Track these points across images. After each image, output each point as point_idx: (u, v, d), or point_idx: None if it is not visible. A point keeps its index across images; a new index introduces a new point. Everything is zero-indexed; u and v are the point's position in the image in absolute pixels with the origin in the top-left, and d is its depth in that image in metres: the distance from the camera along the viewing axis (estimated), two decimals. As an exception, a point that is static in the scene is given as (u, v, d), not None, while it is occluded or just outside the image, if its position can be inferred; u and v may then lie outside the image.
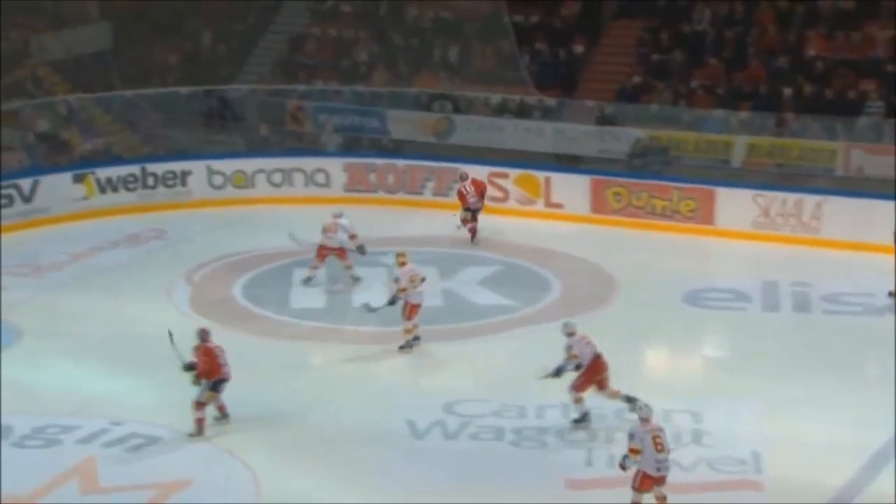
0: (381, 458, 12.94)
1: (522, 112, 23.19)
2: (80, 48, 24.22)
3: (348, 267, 18.00)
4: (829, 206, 19.41)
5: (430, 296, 17.57)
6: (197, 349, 13.29)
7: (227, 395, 13.90)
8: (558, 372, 13.38)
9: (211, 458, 12.80)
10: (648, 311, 16.88)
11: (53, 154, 22.03)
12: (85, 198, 21.06)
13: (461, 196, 20.22)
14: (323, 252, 17.90)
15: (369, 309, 15.45)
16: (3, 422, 13.24)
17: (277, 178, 22.24)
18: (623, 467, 11.51)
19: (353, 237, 17.90)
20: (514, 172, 21.57)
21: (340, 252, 17.89)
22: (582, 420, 13.46)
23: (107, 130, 23.22)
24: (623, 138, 22.02)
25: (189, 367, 13.12)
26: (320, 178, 22.19)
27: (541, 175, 21.46)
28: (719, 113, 21.92)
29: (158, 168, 21.75)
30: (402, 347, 15.44)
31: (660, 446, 11.31)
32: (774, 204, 19.79)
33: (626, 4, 24.33)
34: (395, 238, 20.16)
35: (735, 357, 15.86)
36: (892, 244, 17.19)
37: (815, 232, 19.47)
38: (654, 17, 23.86)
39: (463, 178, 20.28)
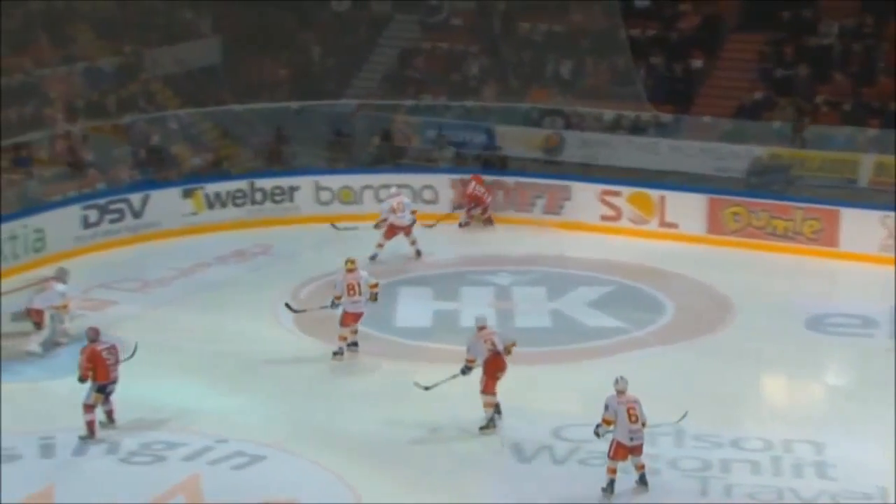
0: (486, 483, 12.94)
1: (636, 128, 23.02)
2: (191, 62, 24.81)
3: (413, 242, 19.60)
4: (962, 228, 18.86)
5: (539, 316, 17.62)
6: (82, 350, 13.57)
7: (330, 414, 14.07)
8: (464, 372, 13.92)
9: (314, 478, 12.92)
10: (768, 336, 16.57)
11: (163, 169, 22.56)
12: (193, 213, 21.50)
13: (474, 197, 21.22)
14: (393, 230, 19.44)
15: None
16: (111, 437, 13.57)
17: (385, 194, 22.41)
18: (597, 434, 12.45)
19: (414, 212, 19.64)
20: (627, 190, 21.39)
21: (408, 229, 19.52)
22: (487, 426, 13.72)
23: (216, 145, 23.71)
24: (742, 156, 21.69)
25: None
26: (428, 194, 22.32)
27: (655, 193, 21.26)
28: (845, 130, 21.45)
29: (266, 183, 22.11)
30: (334, 353, 15.67)
31: (633, 417, 12.18)
32: (903, 226, 19.32)
33: (748, 17, 24.00)
34: (503, 256, 20.21)
35: (861, 386, 15.45)
36: None
37: (946, 256, 18.93)
38: (778, 30, 23.51)
39: (465, 183, 21.25)
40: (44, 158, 21.28)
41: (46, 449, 13.38)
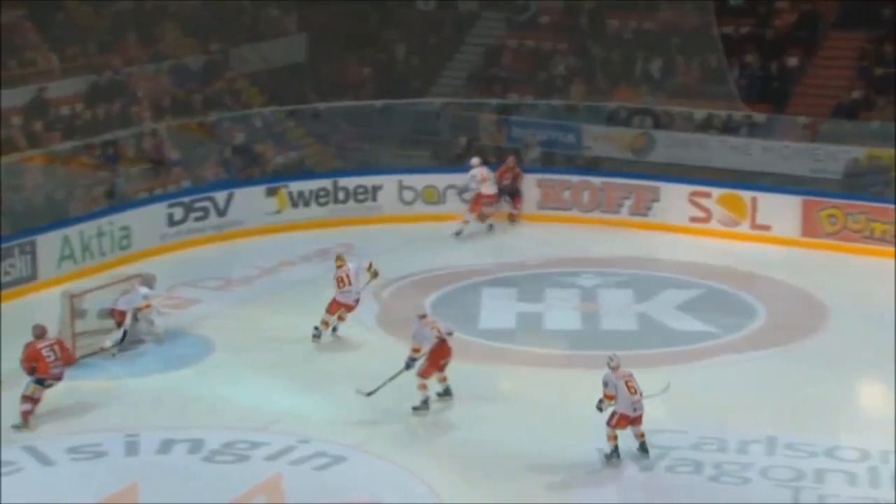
0: (570, 488, 12.88)
1: (728, 128, 22.77)
2: (276, 60, 25.09)
3: (492, 214, 20.82)
4: None
5: (625, 319, 17.51)
6: (25, 346, 14.09)
7: (415, 417, 14.14)
8: (408, 366, 14.12)
9: (395, 479, 12.99)
10: (864, 342, 16.27)
11: (247, 167, 22.85)
12: (277, 211, 21.74)
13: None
14: (481, 201, 20.60)
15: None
16: (195, 436, 13.76)
17: (469, 194, 22.43)
18: (599, 409, 13.05)
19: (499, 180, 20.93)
20: (718, 192, 21.20)
21: (496, 198, 20.85)
22: (421, 408, 14.09)
23: (300, 143, 23.96)
24: (839, 157, 21.33)
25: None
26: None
27: (747, 195, 21.02)
28: (949, 131, 21.02)
29: (349, 182, 22.28)
30: (313, 336, 16.15)
31: (632, 389, 12.90)
32: None
33: (847, 14, 23.60)
34: (589, 258, 20.12)
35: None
36: None
37: None
38: (878, 27, 23.09)
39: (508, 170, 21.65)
40: (130, 156, 21.68)
41: (131, 446, 13.62)
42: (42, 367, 14.10)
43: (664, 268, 19.66)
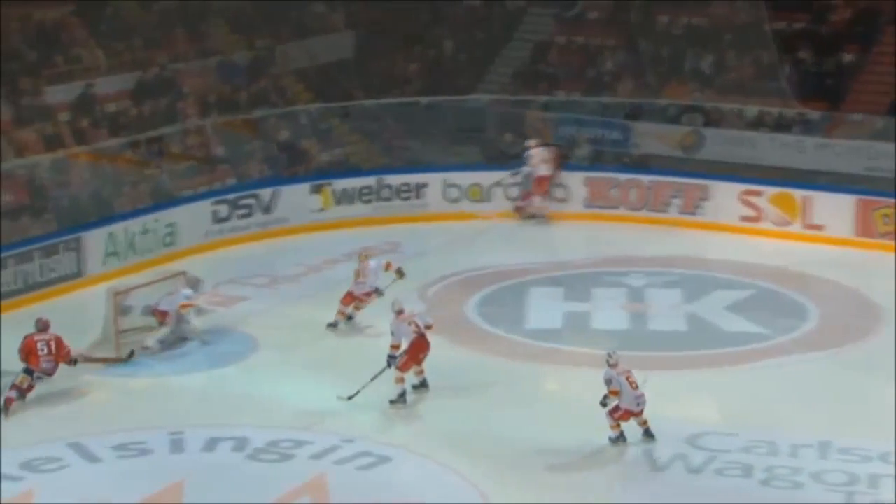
0: (618, 489, 12.86)
1: (781, 126, 22.58)
2: (323, 57, 25.16)
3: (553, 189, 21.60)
4: None
5: (674, 320, 17.41)
6: (25, 337, 14.66)
7: (457, 415, 14.15)
8: (389, 364, 14.39)
9: (440, 480, 12.99)
10: (920, 345, 16.07)
11: (292, 164, 22.95)
12: (322, 209, 21.82)
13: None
14: (543, 183, 21.47)
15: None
16: (239, 434, 13.84)
17: (515, 191, 22.42)
18: (604, 405, 13.44)
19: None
20: (770, 190, 21.05)
21: (555, 177, 21.51)
22: (398, 401, 14.29)
23: (345, 141, 24.03)
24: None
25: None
26: (559, 192, 22.24)
27: (799, 194, 20.85)
28: None
29: (394, 180, 22.31)
30: (328, 325, 16.70)
31: (634, 384, 13.35)
32: None
33: (907, 8, 23.34)
34: (637, 257, 20.04)
35: None
36: None
37: None
38: (938, 22, 22.80)
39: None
40: (176, 153, 21.83)
41: (176, 444, 13.73)
42: (33, 360, 14.54)
43: (714, 268, 19.52)
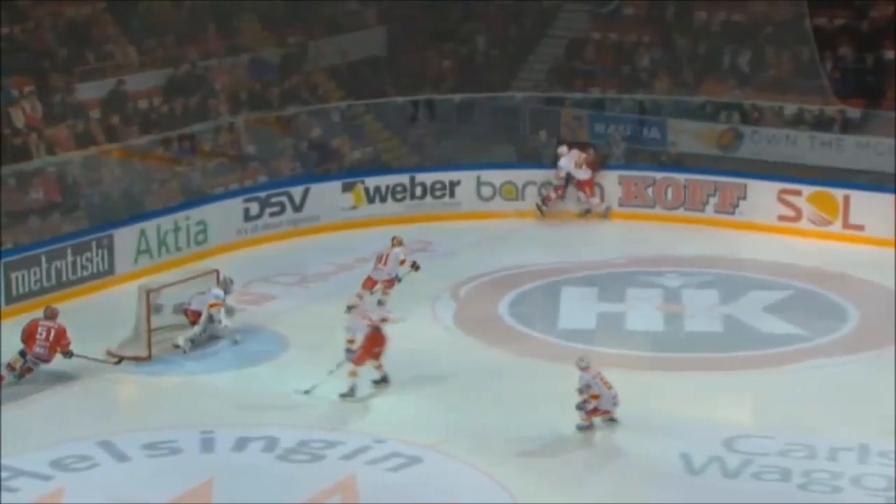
0: (651, 492, 12.80)
1: (820, 124, 22.45)
2: (355, 54, 25.22)
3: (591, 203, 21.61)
4: None
5: (710, 321, 17.34)
6: (31, 320, 15.33)
7: (488, 416, 14.17)
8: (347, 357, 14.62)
9: (471, 482, 13.00)
10: (961, 348, 15.93)
11: (323, 162, 23.01)
12: (353, 207, 21.86)
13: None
14: (585, 186, 21.40)
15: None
16: (270, 433, 13.90)
17: (548, 190, 22.35)
18: (581, 409, 13.74)
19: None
20: (809, 190, 20.93)
21: (590, 182, 21.54)
22: (348, 394, 14.62)
23: (377, 138, 24.07)
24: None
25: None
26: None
27: (839, 193, 20.73)
28: None
29: (427, 178, 22.31)
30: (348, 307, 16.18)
31: (608, 385, 13.76)
32: None
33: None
34: (673, 257, 19.96)
35: None
36: None
37: None
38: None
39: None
40: (207, 150, 21.94)
41: (206, 443, 13.79)
42: (30, 343, 15.13)
43: (751, 268, 19.42)
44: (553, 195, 21.85)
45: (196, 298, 16.55)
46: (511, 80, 25.27)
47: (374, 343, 14.84)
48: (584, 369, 13.72)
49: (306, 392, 14.79)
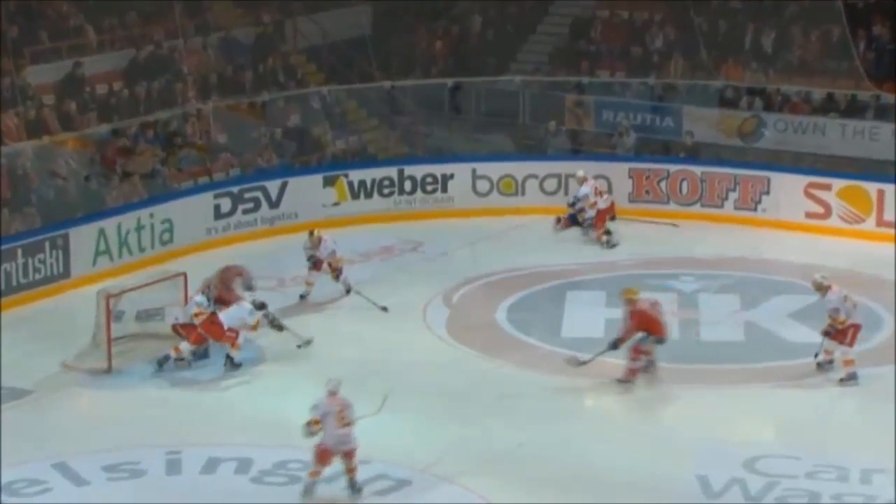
0: (667, 520, 12.86)
1: (852, 110, 22.58)
2: (337, 34, 25.22)
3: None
4: None
5: (729, 328, 17.40)
6: None
7: (484, 434, 14.19)
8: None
9: (467, 508, 13.05)
10: None
11: (303, 153, 23.03)
12: (336, 203, 21.91)
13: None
14: (604, 216, 20.73)
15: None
16: (242, 454, 13.90)
17: (551, 184, 22.44)
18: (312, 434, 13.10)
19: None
20: (839, 183, 21.07)
21: (612, 210, 20.91)
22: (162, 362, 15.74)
23: (362, 127, 24.10)
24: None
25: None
26: (601, 185, 22.19)
27: (872, 187, 20.86)
28: None
29: (417, 171, 22.38)
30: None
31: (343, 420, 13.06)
32: None
33: None
34: (689, 259, 20.06)
35: None
36: None
37: None
38: None
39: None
40: (173, 140, 21.90)
41: (172, 465, 13.77)
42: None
43: (775, 270, 19.52)
44: (560, 227, 21.07)
45: (180, 312, 16.35)
46: (509, 62, 25.34)
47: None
48: (331, 393, 13.08)
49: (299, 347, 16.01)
